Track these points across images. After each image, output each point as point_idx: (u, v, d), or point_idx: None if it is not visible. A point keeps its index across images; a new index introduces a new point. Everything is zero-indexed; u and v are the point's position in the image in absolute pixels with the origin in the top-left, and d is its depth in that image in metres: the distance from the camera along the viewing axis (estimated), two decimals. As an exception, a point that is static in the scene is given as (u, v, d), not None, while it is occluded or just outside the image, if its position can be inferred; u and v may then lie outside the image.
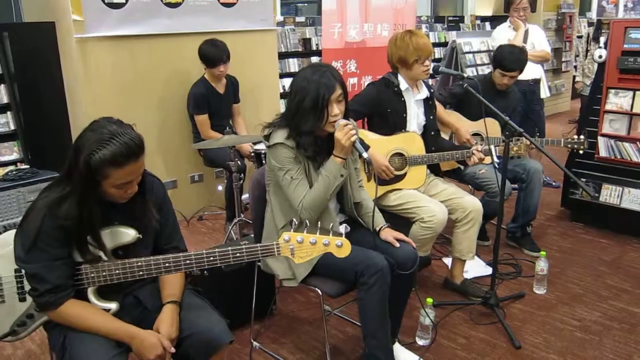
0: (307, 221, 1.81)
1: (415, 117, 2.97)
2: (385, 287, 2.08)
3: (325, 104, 2.04)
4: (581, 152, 3.41)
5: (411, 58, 2.78)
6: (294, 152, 2.10)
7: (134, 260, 1.71)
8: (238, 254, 1.74)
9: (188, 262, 1.73)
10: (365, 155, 2.04)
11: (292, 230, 1.76)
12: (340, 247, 1.75)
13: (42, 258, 1.62)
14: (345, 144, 2.04)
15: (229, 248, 1.74)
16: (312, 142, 2.10)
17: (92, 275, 1.70)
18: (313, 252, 1.75)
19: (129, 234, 1.73)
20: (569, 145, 3.25)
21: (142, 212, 1.75)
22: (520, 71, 3.48)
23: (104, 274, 1.70)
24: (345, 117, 2.14)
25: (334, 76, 2.06)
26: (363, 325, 2.18)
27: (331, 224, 1.79)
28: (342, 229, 1.81)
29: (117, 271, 1.70)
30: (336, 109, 2.07)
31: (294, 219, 1.80)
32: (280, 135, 2.11)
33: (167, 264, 1.72)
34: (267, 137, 2.17)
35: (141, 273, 1.72)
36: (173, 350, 1.66)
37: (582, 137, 3.22)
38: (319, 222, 2.13)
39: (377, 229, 2.30)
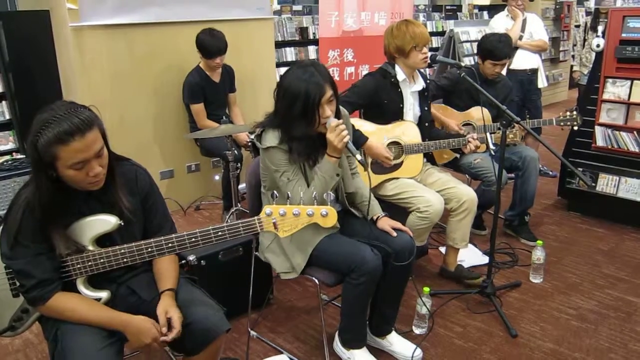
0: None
1: (412, 108, 2.96)
2: (372, 287, 2.13)
3: (316, 107, 1.98)
4: (575, 128, 3.40)
5: (408, 46, 2.77)
6: (288, 155, 2.07)
7: (117, 248, 1.70)
8: (220, 233, 1.70)
9: (170, 245, 1.71)
10: (358, 157, 2.01)
11: (274, 203, 1.69)
12: (326, 216, 1.68)
13: (25, 254, 1.62)
14: (338, 146, 2.00)
15: (210, 227, 1.70)
16: (305, 146, 2.06)
17: (78, 266, 1.69)
18: (298, 224, 1.68)
19: (109, 222, 1.71)
20: (562, 123, 3.24)
21: (114, 199, 1.72)
22: (511, 57, 3.46)
23: (90, 263, 1.70)
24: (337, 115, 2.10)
25: (322, 75, 1.99)
26: (341, 318, 2.31)
27: (314, 193, 1.76)
28: (328, 197, 1.74)
29: (101, 260, 1.70)
30: (328, 111, 2.01)
31: (275, 192, 1.76)
32: (272, 138, 2.07)
33: (149, 249, 1.71)
34: (258, 137, 2.14)
35: (125, 260, 1.71)
36: (166, 331, 1.65)
37: (574, 112, 3.21)
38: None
39: (375, 218, 2.30)
